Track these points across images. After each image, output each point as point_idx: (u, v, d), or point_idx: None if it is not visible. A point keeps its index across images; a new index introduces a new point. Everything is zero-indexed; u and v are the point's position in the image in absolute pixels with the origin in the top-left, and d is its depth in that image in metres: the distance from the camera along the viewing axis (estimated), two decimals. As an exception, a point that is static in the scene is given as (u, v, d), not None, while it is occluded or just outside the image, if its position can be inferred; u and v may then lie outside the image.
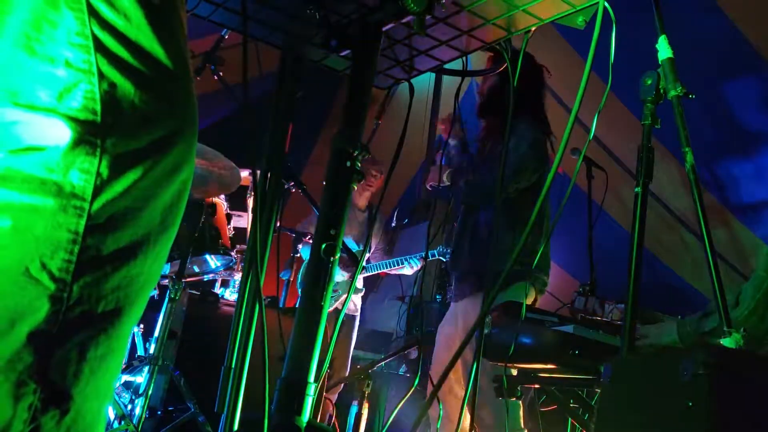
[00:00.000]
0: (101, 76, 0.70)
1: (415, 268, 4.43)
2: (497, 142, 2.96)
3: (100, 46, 0.70)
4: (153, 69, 0.74)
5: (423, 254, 4.27)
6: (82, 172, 0.69)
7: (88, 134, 0.69)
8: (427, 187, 3.22)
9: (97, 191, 0.69)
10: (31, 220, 0.67)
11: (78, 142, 0.68)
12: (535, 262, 2.67)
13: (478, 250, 2.87)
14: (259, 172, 1.61)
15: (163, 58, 0.75)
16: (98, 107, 0.69)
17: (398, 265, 4.44)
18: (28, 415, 0.65)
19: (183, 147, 0.77)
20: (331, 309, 4.18)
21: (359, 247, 4.50)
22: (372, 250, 4.78)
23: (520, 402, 2.58)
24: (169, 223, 0.78)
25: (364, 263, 4.43)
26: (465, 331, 2.79)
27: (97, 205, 0.69)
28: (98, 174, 0.69)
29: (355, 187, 1.43)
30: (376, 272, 4.62)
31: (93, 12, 0.70)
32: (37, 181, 0.67)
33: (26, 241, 0.67)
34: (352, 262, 3.96)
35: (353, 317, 4.61)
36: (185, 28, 0.81)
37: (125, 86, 0.71)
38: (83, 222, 0.69)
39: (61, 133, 0.68)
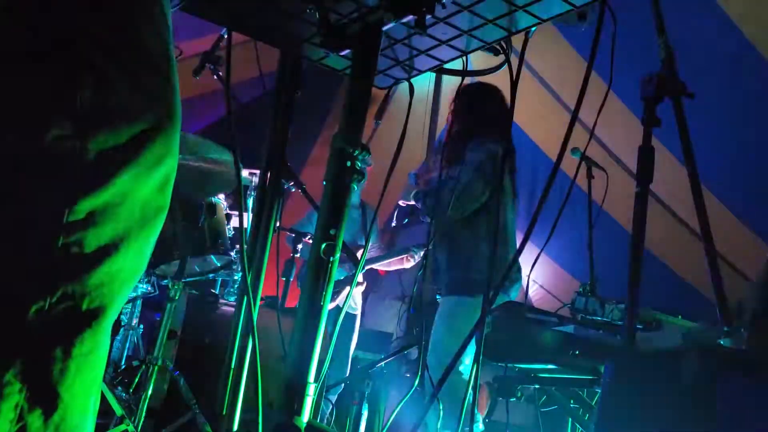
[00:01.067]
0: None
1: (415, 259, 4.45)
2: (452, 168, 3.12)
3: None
4: (136, 64, 0.73)
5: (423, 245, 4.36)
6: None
7: (71, 130, 0.68)
8: (400, 203, 3.33)
9: (78, 187, 0.69)
10: None
11: (59, 138, 0.67)
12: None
13: (451, 260, 3.08)
14: (248, 171, 1.61)
15: (147, 53, 0.74)
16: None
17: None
18: (15, 415, 0.65)
19: (164, 141, 0.76)
20: (332, 306, 4.17)
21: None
22: (368, 249, 4.75)
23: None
24: (150, 218, 0.77)
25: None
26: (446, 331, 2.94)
27: (77, 200, 0.68)
28: (79, 170, 0.68)
29: (356, 188, 1.42)
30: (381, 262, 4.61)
31: None
32: None
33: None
34: (350, 262, 3.98)
35: (354, 316, 4.58)
36: (170, 24, 0.80)
37: (110, 80, 0.70)
38: (64, 218, 0.68)
39: None
